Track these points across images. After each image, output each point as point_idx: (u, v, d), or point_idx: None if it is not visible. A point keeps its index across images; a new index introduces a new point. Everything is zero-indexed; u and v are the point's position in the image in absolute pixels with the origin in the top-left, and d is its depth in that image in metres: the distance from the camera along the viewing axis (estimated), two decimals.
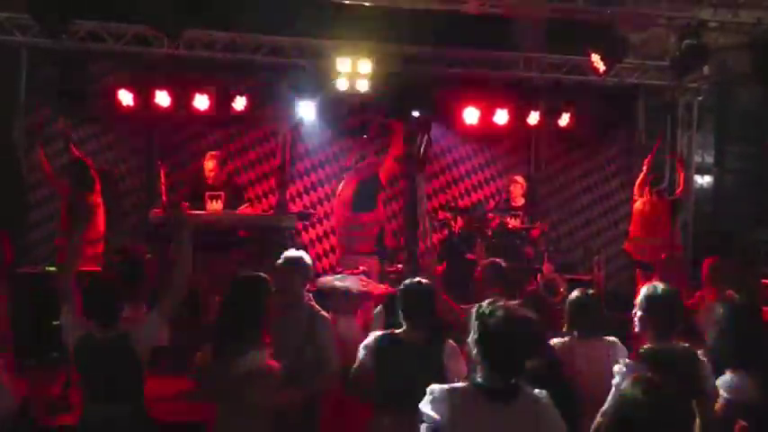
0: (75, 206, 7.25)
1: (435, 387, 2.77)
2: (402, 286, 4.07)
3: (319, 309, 4.53)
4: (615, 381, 3.45)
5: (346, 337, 5.00)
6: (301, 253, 4.61)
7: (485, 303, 2.83)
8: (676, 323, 3.76)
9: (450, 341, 3.92)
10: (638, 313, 3.81)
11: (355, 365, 3.98)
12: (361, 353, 3.98)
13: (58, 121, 8.25)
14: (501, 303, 2.79)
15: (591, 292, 4.55)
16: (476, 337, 2.77)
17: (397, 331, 3.99)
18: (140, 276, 4.65)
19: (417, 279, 4.09)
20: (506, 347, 2.71)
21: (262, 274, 3.97)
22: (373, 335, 4.06)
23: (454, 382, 2.98)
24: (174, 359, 4.80)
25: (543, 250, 8.03)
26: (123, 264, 4.72)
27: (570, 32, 8.28)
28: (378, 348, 3.91)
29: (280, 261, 4.58)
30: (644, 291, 3.85)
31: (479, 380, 2.74)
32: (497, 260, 4.99)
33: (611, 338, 4.32)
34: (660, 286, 3.86)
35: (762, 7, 7.57)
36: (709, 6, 7.55)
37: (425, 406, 2.74)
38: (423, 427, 2.73)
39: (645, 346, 3.67)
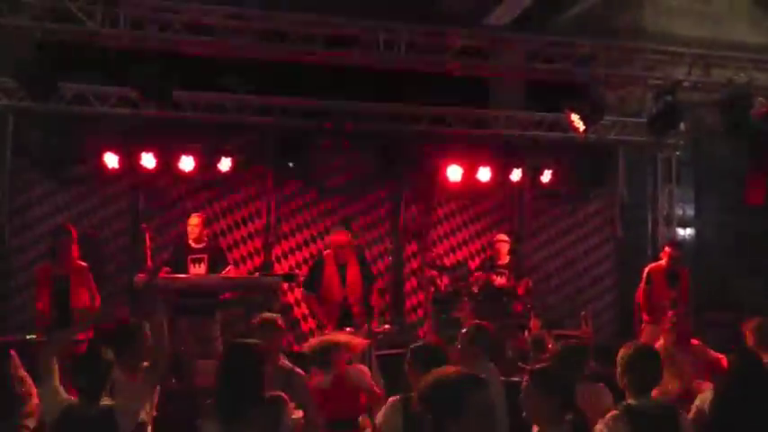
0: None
1: None
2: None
3: (293, 366, 4.75)
4: None
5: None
6: (276, 315, 4.93)
7: None
8: (655, 380, 3.89)
9: None
10: (618, 370, 3.95)
11: None
12: None
13: None
14: None
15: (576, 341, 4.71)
16: None
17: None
18: (133, 343, 4.60)
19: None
20: None
21: (257, 341, 4.00)
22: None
23: None
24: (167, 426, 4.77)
25: (530, 307, 8.04)
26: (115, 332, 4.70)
27: (550, 92, 8.47)
28: None
29: (256, 322, 4.83)
30: (622, 349, 3.99)
31: None
32: (482, 324, 5.02)
33: (600, 385, 4.49)
34: (638, 344, 4.06)
35: (732, 68, 7.84)
36: (684, 65, 7.79)
37: None
38: None
39: (625, 402, 3.81)
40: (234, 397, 3.68)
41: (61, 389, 3.84)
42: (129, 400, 3.85)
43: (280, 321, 4.87)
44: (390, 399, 4.18)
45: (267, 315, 4.93)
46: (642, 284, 8.15)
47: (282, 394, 3.84)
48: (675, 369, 5.50)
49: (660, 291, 7.97)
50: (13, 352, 4.75)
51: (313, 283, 7.10)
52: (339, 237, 7.04)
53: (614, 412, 3.70)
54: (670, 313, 5.90)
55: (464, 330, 4.96)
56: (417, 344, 4.41)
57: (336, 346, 5.10)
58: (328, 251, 7.13)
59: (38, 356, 5.51)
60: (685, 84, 7.76)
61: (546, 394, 3.47)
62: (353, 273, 6.98)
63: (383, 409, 4.16)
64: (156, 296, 4.09)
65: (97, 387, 3.74)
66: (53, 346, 3.96)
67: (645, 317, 8.07)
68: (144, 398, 3.90)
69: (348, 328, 6.78)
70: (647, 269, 8.22)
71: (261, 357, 3.83)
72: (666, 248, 8.28)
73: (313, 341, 5.36)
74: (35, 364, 5.35)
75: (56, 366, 3.90)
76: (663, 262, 8.15)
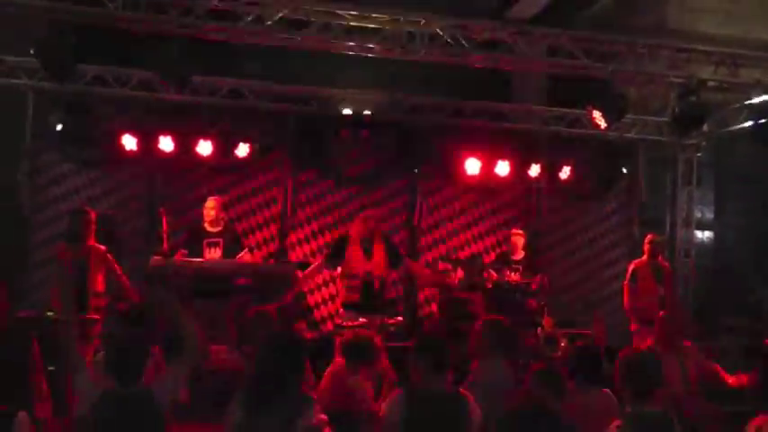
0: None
1: None
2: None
3: None
4: None
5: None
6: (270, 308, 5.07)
7: None
8: (654, 386, 3.89)
9: None
10: (618, 376, 3.97)
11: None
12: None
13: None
14: None
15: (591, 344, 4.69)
16: None
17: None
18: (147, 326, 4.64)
19: None
20: None
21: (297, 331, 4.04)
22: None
23: None
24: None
25: (543, 304, 7.98)
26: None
27: (571, 88, 8.39)
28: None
29: (250, 314, 4.98)
30: (621, 355, 4.02)
31: None
32: (499, 318, 4.98)
33: (608, 391, 4.40)
34: (637, 350, 4.17)
35: (761, 67, 7.70)
36: (710, 65, 7.66)
37: None
38: None
39: (626, 411, 3.83)
40: (265, 386, 3.68)
41: (93, 374, 3.87)
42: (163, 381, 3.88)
43: (273, 313, 4.98)
44: (395, 391, 4.17)
45: (261, 308, 5.03)
46: (626, 282, 8.06)
47: (311, 394, 3.84)
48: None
49: (647, 287, 7.90)
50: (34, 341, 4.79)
51: (335, 258, 7.19)
52: (367, 212, 7.22)
53: (618, 422, 3.69)
54: (661, 313, 5.69)
55: (479, 324, 4.92)
56: (422, 336, 4.38)
57: (373, 352, 5.00)
58: (352, 230, 7.21)
59: (57, 334, 5.61)
60: (710, 83, 7.65)
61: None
62: (378, 249, 7.10)
63: (388, 400, 4.13)
64: (163, 283, 4.12)
65: (133, 371, 3.76)
66: (70, 333, 3.99)
67: (632, 317, 7.96)
68: (180, 378, 3.93)
69: (362, 318, 6.79)
70: (631, 266, 8.12)
71: (302, 350, 3.85)
72: (646, 239, 8.16)
73: (351, 334, 5.24)
74: (54, 341, 5.44)
75: (80, 352, 3.94)
76: (644, 257, 8.05)
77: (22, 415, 3.47)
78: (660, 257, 8.19)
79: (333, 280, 8.77)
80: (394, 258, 7.26)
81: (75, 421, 3.93)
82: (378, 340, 5.10)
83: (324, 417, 3.74)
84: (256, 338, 4.62)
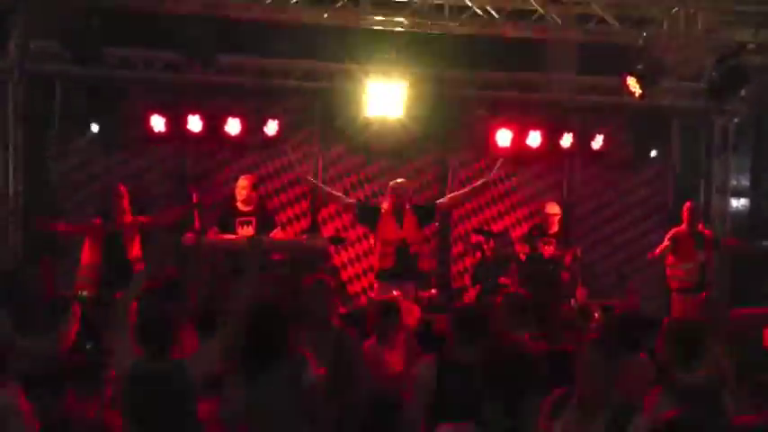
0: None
1: None
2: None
3: (344, 327, 4.84)
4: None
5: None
6: (328, 276, 5.16)
7: None
8: (700, 355, 3.86)
9: None
10: (664, 345, 4.01)
11: None
12: None
13: None
14: None
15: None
16: None
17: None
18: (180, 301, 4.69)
19: None
20: None
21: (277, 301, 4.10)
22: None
23: None
24: None
25: (577, 276, 7.92)
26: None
27: (605, 55, 8.21)
28: None
29: (309, 282, 4.91)
30: (668, 324, 4.05)
31: None
32: (520, 291, 4.98)
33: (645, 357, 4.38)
34: (683, 320, 4.03)
35: None
36: (749, 27, 7.42)
37: None
38: None
39: (671, 378, 3.80)
40: (258, 354, 3.74)
41: (131, 344, 3.87)
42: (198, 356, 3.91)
43: (332, 282, 5.02)
44: (426, 357, 4.22)
45: (320, 276, 5.08)
46: (666, 243, 8.06)
47: (304, 351, 3.88)
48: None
49: (687, 254, 7.93)
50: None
51: (364, 213, 7.49)
52: (399, 183, 7.41)
53: (659, 389, 3.68)
54: (704, 294, 5.52)
55: (501, 298, 4.92)
56: (461, 307, 4.36)
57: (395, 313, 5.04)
58: (384, 204, 7.38)
59: (93, 311, 5.68)
60: (750, 46, 7.42)
61: None
62: (409, 217, 7.28)
63: (421, 365, 4.18)
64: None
65: (166, 343, 3.78)
66: (127, 300, 4.01)
67: (673, 284, 8.01)
68: (215, 353, 3.91)
69: (395, 291, 6.76)
70: (670, 233, 8.15)
71: (285, 316, 3.88)
72: (685, 206, 8.21)
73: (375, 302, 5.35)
74: (91, 320, 5.51)
75: (129, 321, 3.95)
76: (684, 224, 8.08)
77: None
78: (701, 225, 8.14)
79: (365, 255, 8.79)
80: (425, 213, 7.42)
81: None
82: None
83: (322, 371, 3.81)
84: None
